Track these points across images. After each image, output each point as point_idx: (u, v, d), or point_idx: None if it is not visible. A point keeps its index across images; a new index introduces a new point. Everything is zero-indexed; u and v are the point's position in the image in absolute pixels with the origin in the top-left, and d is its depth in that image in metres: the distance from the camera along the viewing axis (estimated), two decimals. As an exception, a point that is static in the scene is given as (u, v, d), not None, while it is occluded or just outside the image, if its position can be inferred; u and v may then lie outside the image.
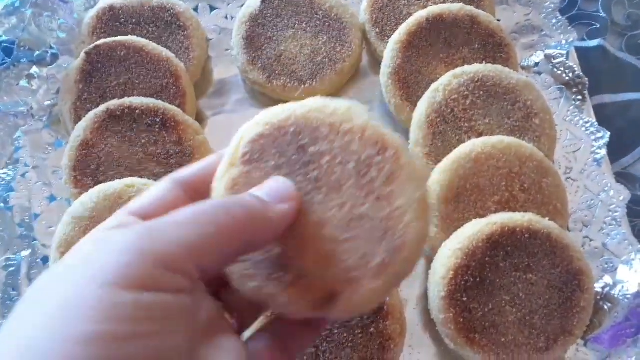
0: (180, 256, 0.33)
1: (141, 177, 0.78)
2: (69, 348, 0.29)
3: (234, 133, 0.89)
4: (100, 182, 0.77)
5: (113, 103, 0.81)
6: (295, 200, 0.40)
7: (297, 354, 0.43)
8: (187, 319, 0.34)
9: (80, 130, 0.80)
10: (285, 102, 0.87)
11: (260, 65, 0.88)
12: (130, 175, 0.78)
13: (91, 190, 0.75)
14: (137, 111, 0.80)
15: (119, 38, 0.86)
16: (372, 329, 0.68)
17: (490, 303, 0.69)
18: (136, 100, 0.81)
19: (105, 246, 0.34)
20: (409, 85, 0.84)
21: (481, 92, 0.79)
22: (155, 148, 0.80)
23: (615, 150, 0.87)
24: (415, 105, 0.82)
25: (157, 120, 0.80)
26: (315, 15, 0.90)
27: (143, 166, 0.80)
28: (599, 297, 0.75)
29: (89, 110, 0.81)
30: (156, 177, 0.80)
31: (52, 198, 0.85)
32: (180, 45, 0.90)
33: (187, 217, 0.35)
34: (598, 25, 0.98)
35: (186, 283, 0.34)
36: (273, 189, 0.40)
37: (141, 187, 0.75)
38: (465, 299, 0.69)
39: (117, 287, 0.31)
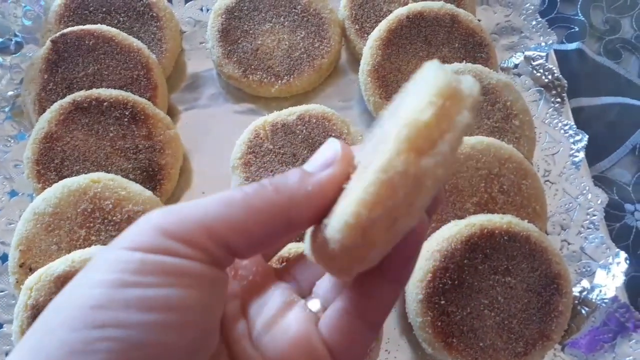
0: (194, 231, 0.34)
1: (108, 172, 0.75)
2: (77, 292, 0.33)
3: (206, 128, 0.87)
4: (65, 177, 0.74)
5: (80, 94, 0.77)
6: (341, 159, 0.37)
7: (380, 320, 0.39)
8: (202, 281, 0.34)
9: (45, 122, 0.76)
10: (260, 97, 0.86)
11: (235, 59, 0.85)
12: (97, 170, 0.75)
13: (55, 185, 0.71)
14: (105, 103, 0.77)
15: (87, 26, 0.82)
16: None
17: (468, 306, 0.67)
18: (104, 92, 0.78)
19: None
20: (388, 83, 0.83)
21: (461, 92, 0.78)
22: (123, 142, 0.77)
23: (593, 154, 0.87)
24: (394, 104, 0.81)
25: (126, 113, 0.77)
26: (294, 10, 0.87)
27: (110, 161, 0.77)
28: (576, 302, 0.74)
29: (54, 101, 0.78)
30: (124, 172, 0.76)
31: (13, 193, 0.81)
32: (152, 36, 0.86)
33: (209, 199, 0.35)
34: (577, 29, 0.98)
35: (201, 255, 0.34)
36: (318, 155, 0.38)
37: (108, 182, 0.72)
38: (443, 302, 0.67)
39: (124, 249, 0.33)
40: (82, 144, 0.76)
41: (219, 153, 0.83)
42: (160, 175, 0.77)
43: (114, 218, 0.71)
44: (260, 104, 0.87)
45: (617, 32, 0.99)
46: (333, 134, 0.80)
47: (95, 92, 0.77)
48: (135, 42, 0.82)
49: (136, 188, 0.73)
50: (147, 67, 0.81)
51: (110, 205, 0.71)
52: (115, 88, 0.79)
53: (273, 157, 0.78)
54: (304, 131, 0.79)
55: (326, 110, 0.81)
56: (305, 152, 0.79)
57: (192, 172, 0.84)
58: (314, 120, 0.80)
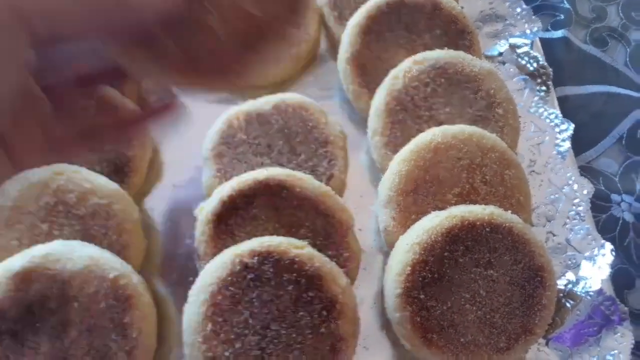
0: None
1: (74, 163, 0.71)
2: None
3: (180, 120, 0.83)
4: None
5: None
6: None
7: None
8: None
9: None
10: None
11: (208, 46, 0.82)
12: (61, 162, 0.71)
13: (15, 178, 0.68)
14: (69, 91, 0.73)
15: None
16: (322, 329, 0.62)
17: (449, 301, 0.65)
18: (68, 79, 0.74)
19: None
20: (368, 71, 0.80)
21: (442, 80, 0.75)
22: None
23: (579, 144, 0.84)
24: (374, 93, 0.78)
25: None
26: (269, -4, 0.84)
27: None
28: (561, 295, 0.72)
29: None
30: (90, 164, 0.73)
31: (-27, 187, 0.77)
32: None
33: None
34: (562, 16, 0.96)
35: None
36: None
37: (71, 174, 0.69)
38: (422, 296, 0.64)
39: None
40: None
41: (191, 144, 0.80)
42: (128, 167, 0.74)
43: (78, 212, 0.68)
44: (235, 92, 0.84)
45: (604, 20, 0.97)
46: (311, 124, 0.77)
47: (58, 80, 0.74)
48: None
49: (101, 181, 0.70)
50: (115, 55, 0.77)
51: (74, 199, 0.68)
52: (81, 76, 0.76)
53: (247, 148, 0.75)
54: (280, 121, 0.76)
55: (303, 99, 0.79)
56: (281, 142, 0.76)
57: (162, 164, 0.81)
58: (291, 110, 0.77)
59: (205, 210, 0.69)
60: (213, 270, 0.63)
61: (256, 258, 0.62)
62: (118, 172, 0.74)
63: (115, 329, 0.63)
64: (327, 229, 0.68)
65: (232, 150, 0.75)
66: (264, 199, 0.68)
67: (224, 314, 0.62)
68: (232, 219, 0.68)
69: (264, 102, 0.78)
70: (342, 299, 0.63)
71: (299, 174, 0.70)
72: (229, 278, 0.62)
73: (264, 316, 0.62)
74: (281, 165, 0.74)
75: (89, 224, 0.68)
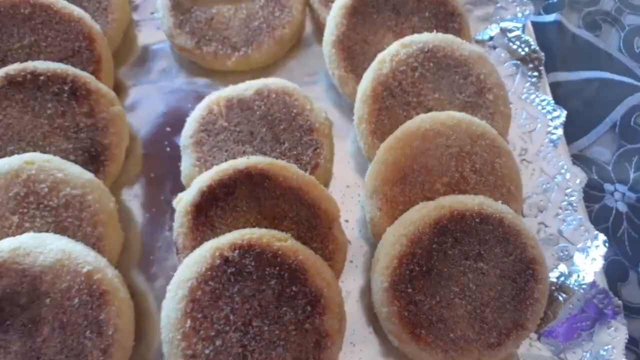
0: None
1: (46, 152, 0.69)
2: None
3: (157, 104, 0.80)
4: (-4, 158, 0.67)
5: (14, 67, 0.71)
6: None
7: None
8: None
9: (-26, 98, 0.69)
10: (216, 71, 0.80)
11: (188, 29, 0.79)
12: (34, 151, 0.68)
13: (-18, 167, 0.65)
14: (41, 77, 0.70)
15: (22, -7, 0.75)
16: (307, 325, 0.60)
17: (437, 295, 0.63)
18: (41, 65, 0.71)
19: None
20: (354, 55, 0.77)
21: (431, 64, 0.72)
22: (63, 120, 0.70)
23: (571, 132, 0.82)
24: (361, 77, 0.75)
25: (66, 88, 0.70)
26: (252, -24, 0.81)
27: (48, 140, 0.70)
28: (553, 288, 0.70)
29: (-15, 76, 0.71)
30: (64, 153, 0.70)
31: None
32: (97, 5, 0.79)
33: None
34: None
35: None
36: None
37: (43, 164, 0.65)
38: (410, 290, 0.62)
39: None
40: (16, 122, 0.69)
41: (171, 132, 0.76)
42: (104, 156, 0.71)
43: (50, 203, 0.65)
44: (216, 78, 0.81)
45: (597, 4, 0.94)
46: (295, 110, 0.74)
47: (30, 65, 0.71)
48: (77, 11, 0.75)
49: (75, 170, 0.67)
50: (89, 38, 0.74)
51: (46, 189, 0.65)
52: (54, 61, 0.73)
53: (228, 135, 0.72)
54: (263, 107, 0.73)
55: (287, 84, 0.76)
56: (264, 130, 0.73)
57: (140, 153, 0.77)
58: (274, 96, 0.74)
59: (183, 201, 0.66)
60: (192, 265, 0.61)
61: (237, 251, 0.60)
62: (93, 161, 0.71)
63: (90, 326, 0.60)
64: (312, 220, 0.66)
65: (212, 137, 0.72)
66: (245, 189, 0.65)
67: (203, 310, 0.59)
68: (211, 210, 0.65)
69: (246, 88, 0.75)
70: (327, 294, 0.61)
71: (282, 163, 0.67)
72: (209, 272, 0.59)
73: (246, 312, 0.59)
74: (264, 153, 0.72)
75: (62, 215, 0.65)
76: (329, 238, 0.66)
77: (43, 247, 0.61)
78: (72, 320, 0.60)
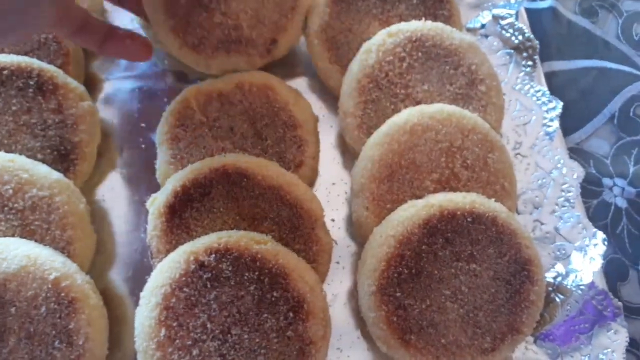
0: None
1: (11, 152, 0.65)
2: None
3: (132, 99, 0.76)
4: (-44, 158, 0.63)
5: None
6: None
7: None
8: None
9: None
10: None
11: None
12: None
13: (-60, 168, 0.61)
14: (5, 71, 0.67)
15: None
16: (289, 332, 0.57)
17: (427, 298, 0.59)
18: (4, 58, 0.68)
19: None
20: (338, 45, 0.73)
21: (419, 54, 0.69)
22: (29, 117, 0.67)
23: (567, 124, 0.79)
24: (346, 69, 0.72)
25: (31, 82, 0.67)
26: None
27: (14, 139, 0.67)
28: (550, 288, 0.67)
29: (-54, 70, 0.67)
30: (31, 152, 0.66)
31: None
32: (65, -6, 0.75)
33: None
34: (550, -15, 0.89)
35: None
36: None
37: (6, 164, 0.63)
38: (398, 294, 0.59)
39: None
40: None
41: (146, 128, 0.73)
42: (74, 154, 0.67)
43: (16, 205, 0.62)
44: (195, 71, 0.76)
45: (594, -11, 0.90)
46: (278, 105, 0.70)
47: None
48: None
49: (42, 170, 0.63)
50: (57, 29, 0.70)
51: (11, 191, 0.61)
52: (18, 54, 0.69)
53: (206, 130, 0.68)
54: (244, 101, 0.70)
55: (269, 77, 0.72)
56: (245, 126, 0.69)
57: (114, 151, 0.73)
58: (255, 89, 0.70)
59: (157, 202, 0.63)
60: (165, 270, 0.57)
61: (212, 255, 0.56)
62: (63, 159, 0.67)
63: (59, 336, 0.57)
64: (294, 220, 0.62)
65: (189, 133, 0.68)
66: (222, 189, 0.62)
67: (178, 318, 0.56)
68: (186, 212, 0.62)
69: (226, 81, 0.71)
70: (310, 299, 0.58)
71: (261, 161, 0.63)
72: (183, 278, 0.56)
73: (224, 319, 0.56)
74: (245, 150, 0.68)
75: (28, 218, 0.62)
76: (313, 239, 0.63)
77: (7, 252, 0.58)
78: (40, 330, 0.57)
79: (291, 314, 0.57)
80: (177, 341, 0.56)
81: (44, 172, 0.63)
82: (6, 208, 0.61)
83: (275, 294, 0.56)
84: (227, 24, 0.70)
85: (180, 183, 0.62)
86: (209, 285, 0.56)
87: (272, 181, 0.62)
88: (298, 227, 0.62)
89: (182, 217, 0.61)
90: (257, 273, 0.56)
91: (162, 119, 0.69)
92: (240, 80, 0.71)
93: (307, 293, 0.57)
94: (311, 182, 0.72)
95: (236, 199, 0.62)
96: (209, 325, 0.56)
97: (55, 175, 0.64)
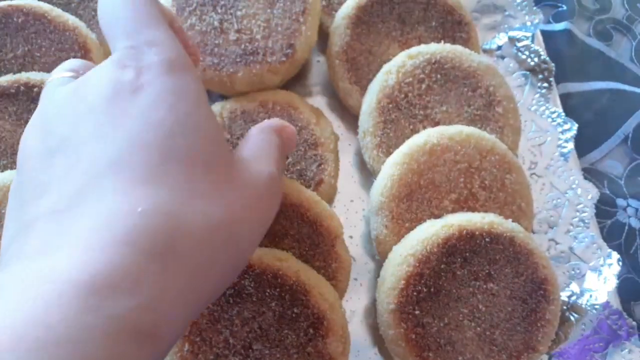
0: None
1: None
2: None
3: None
4: (-13, 173, 0.64)
5: (6, 79, 0.68)
6: None
7: None
8: None
9: (-34, 110, 0.67)
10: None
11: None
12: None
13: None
14: (35, 89, 0.68)
15: (15, 2, 0.72)
16: (309, 349, 0.57)
17: (446, 317, 0.60)
18: (35, 76, 0.68)
19: None
20: (358, 66, 0.74)
21: (438, 76, 0.70)
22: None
23: (582, 145, 0.79)
24: (365, 89, 0.73)
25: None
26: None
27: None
28: (565, 307, 0.68)
29: (-22, 87, 0.68)
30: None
31: None
32: (92, 13, 0.77)
33: None
34: (565, 7, 0.90)
35: None
36: None
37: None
38: (417, 312, 0.60)
39: None
40: (9, 136, 0.67)
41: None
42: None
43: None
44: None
45: (608, 12, 0.92)
46: (300, 124, 0.71)
47: (24, 76, 0.68)
48: (72, 20, 0.72)
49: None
50: (84, 48, 0.71)
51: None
52: (48, 72, 0.70)
53: (231, 148, 0.70)
54: (266, 120, 0.71)
55: (293, 96, 0.73)
56: None
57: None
58: (278, 108, 0.72)
59: None
60: (189, 286, 0.58)
61: None
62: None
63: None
64: (314, 237, 0.63)
65: None
66: None
67: (202, 333, 0.57)
68: None
69: (250, 99, 0.72)
70: (330, 316, 0.58)
71: (283, 178, 0.64)
72: None
73: (246, 335, 0.57)
74: None
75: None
76: (332, 256, 0.64)
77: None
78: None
79: (311, 330, 0.57)
80: (200, 356, 0.57)
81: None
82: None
83: (295, 310, 0.57)
84: (242, 39, 0.72)
85: None
86: (231, 301, 0.57)
87: (294, 199, 0.63)
88: (318, 244, 0.63)
89: None
90: (278, 290, 0.57)
91: None
92: (265, 98, 0.72)
93: (327, 310, 0.58)
94: (330, 200, 0.73)
95: None
96: (231, 341, 0.57)
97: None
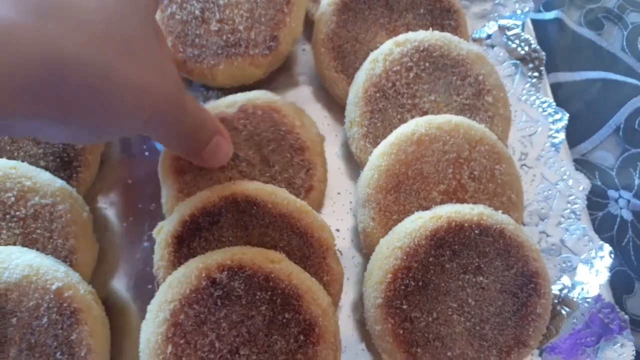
0: None
1: (14, 158, 0.64)
2: None
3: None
4: (-44, 165, 0.62)
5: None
6: None
7: None
8: None
9: None
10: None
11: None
12: (0, 157, 0.64)
13: (-58, 175, 0.60)
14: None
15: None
16: (299, 356, 0.55)
17: (434, 311, 0.59)
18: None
19: None
20: (345, 54, 0.72)
21: (427, 64, 0.68)
22: (32, 123, 0.65)
23: (573, 135, 0.78)
24: (352, 78, 0.71)
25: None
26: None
27: (16, 145, 0.66)
28: (556, 301, 0.66)
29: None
30: (33, 159, 0.65)
31: None
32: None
33: None
34: (555, -5, 0.89)
35: None
36: None
37: (8, 171, 0.61)
38: (405, 306, 0.58)
39: None
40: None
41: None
42: (77, 161, 0.66)
43: (18, 213, 0.60)
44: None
45: (599, 1, 0.90)
46: (284, 128, 0.68)
47: (-3, 64, 0.65)
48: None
49: (45, 177, 0.62)
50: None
51: (13, 198, 0.60)
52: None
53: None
54: (248, 126, 0.67)
55: (273, 98, 0.69)
56: (251, 152, 0.67)
57: (117, 158, 0.73)
58: (260, 113, 0.68)
59: (164, 231, 0.61)
60: (175, 285, 0.56)
61: (225, 272, 0.55)
62: (66, 167, 0.66)
63: (60, 347, 0.56)
64: (304, 249, 0.61)
65: (194, 164, 0.66)
66: (231, 217, 0.60)
67: (186, 336, 0.54)
68: (194, 242, 0.60)
69: (229, 104, 0.68)
70: (322, 322, 0.56)
71: (270, 187, 0.62)
72: (193, 295, 0.55)
73: (233, 339, 0.55)
74: (252, 178, 0.66)
75: (30, 227, 0.61)
76: (324, 269, 0.61)
77: (9, 261, 0.57)
78: (41, 341, 0.56)
79: (302, 337, 0.55)
80: (184, 359, 0.54)
81: (47, 180, 0.62)
82: (8, 216, 0.60)
83: (287, 315, 0.55)
84: (224, 30, 0.70)
85: (188, 212, 0.60)
86: (219, 303, 0.55)
87: (282, 209, 0.60)
88: (309, 256, 0.61)
89: (190, 247, 0.60)
90: (269, 293, 0.55)
91: (163, 152, 0.67)
92: (244, 103, 0.68)
93: (319, 316, 0.56)
94: (319, 206, 0.71)
95: (245, 227, 0.60)
96: (217, 344, 0.54)
97: (58, 182, 0.63)
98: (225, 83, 0.72)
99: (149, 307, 0.57)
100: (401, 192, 0.63)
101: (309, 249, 0.61)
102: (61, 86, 0.39)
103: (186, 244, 0.60)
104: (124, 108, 0.44)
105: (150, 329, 0.55)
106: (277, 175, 0.67)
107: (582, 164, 0.79)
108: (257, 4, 0.70)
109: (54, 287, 0.56)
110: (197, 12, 0.70)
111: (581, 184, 0.71)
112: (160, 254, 0.61)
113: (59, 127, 0.44)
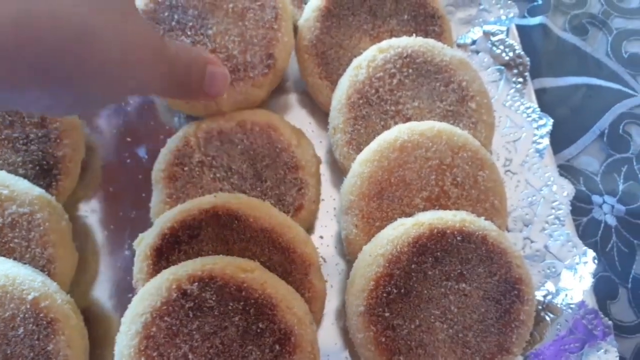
0: None
1: (-10, 166, 0.63)
2: None
3: (117, 113, 0.74)
4: None
5: None
6: None
7: None
8: None
9: None
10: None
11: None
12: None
13: None
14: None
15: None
16: (273, 369, 0.54)
17: (417, 318, 0.58)
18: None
19: None
20: (328, 61, 0.72)
21: (410, 70, 0.68)
22: (11, 131, 0.65)
23: (557, 141, 0.78)
24: (336, 85, 0.71)
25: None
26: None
27: (-6, 153, 0.64)
28: (540, 307, 0.66)
29: None
30: (12, 166, 0.65)
31: None
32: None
33: None
34: (540, 2, 0.89)
35: None
36: None
37: (-15, 180, 0.60)
38: (387, 314, 0.58)
39: None
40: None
41: (132, 142, 0.71)
42: (57, 169, 0.66)
43: (-5, 222, 0.59)
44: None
45: (584, 7, 0.90)
46: (280, 146, 0.68)
47: (-26, 71, 0.65)
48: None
49: (23, 185, 0.61)
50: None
51: (-10, 207, 0.59)
52: None
53: (204, 170, 0.66)
54: (245, 141, 0.67)
55: (272, 117, 0.70)
56: (245, 166, 0.67)
57: (99, 165, 0.72)
58: (257, 129, 0.68)
59: (143, 243, 0.60)
60: (146, 298, 0.55)
61: (196, 284, 0.54)
62: (45, 175, 0.65)
63: (37, 358, 0.55)
64: (286, 265, 0.60)
65: (186, 172, 0.66)
66: (212, 231, 0.59)
67: (159, 348, 0.54)
68: (174, 255, 0.59)
69: (227, 118, 0.69)
70: (298, 331, 0.55)
71: (253, 201, 0.61)
72: (164, 307, 0.54)
73: (206, 351, 0.54)
74: (243, 191, 0.66)
75: (8, 236, 0.60)
76: (306, 285, 0.60)
77: (-15, 271, 0.56)
78: (17, 352, 0.55)
79: (277, 347, 0.54)
80: None
81: (25, 188, 0.61)
82: (-15, 225, 0.60)
83: (261, 325, 0.54)
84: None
85: (168, 225, 0.59)
86: (191, 315, 0.54)
87: (264, 223, 0.59)
88: (290, 272, 0.60)
89: (169, 260, 0.59)
90: (242, 303, 0.54)
91: (160, 156, 0.67)
92: (243, 118, 0.68)
93: (295, 325, 0.55)
94: (310, 227, 0.70)
95: (226, 241, 0.59)
96: (190, 356, 0.53)
97: (37, 191, 0.62)
98: (230, 110, 0.71)
99: (123, 320, 0.56)
100: (384, 199, 0.63)
101: (291, 265, 0.60)
102: (38, 44, 0.38)
103: (165, 257, 0.59)
104: (109, 62, 0.42)
105: (124, 342, 0.55)
106: (268, 191, 0.66)
107: (567, 170, 0.79)
108: (245, 26, 0.70)
109: (30, 297, 0.55)
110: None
111: (565, 190, 0.71)
112: (139, 266, 0.60)
113: (40, 91, 0.41)
